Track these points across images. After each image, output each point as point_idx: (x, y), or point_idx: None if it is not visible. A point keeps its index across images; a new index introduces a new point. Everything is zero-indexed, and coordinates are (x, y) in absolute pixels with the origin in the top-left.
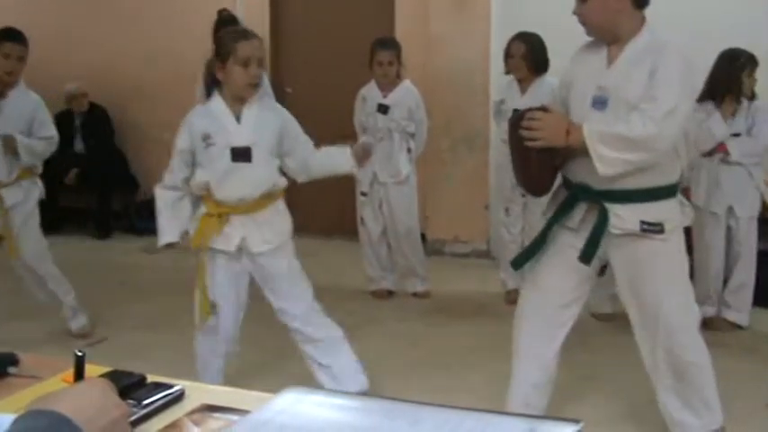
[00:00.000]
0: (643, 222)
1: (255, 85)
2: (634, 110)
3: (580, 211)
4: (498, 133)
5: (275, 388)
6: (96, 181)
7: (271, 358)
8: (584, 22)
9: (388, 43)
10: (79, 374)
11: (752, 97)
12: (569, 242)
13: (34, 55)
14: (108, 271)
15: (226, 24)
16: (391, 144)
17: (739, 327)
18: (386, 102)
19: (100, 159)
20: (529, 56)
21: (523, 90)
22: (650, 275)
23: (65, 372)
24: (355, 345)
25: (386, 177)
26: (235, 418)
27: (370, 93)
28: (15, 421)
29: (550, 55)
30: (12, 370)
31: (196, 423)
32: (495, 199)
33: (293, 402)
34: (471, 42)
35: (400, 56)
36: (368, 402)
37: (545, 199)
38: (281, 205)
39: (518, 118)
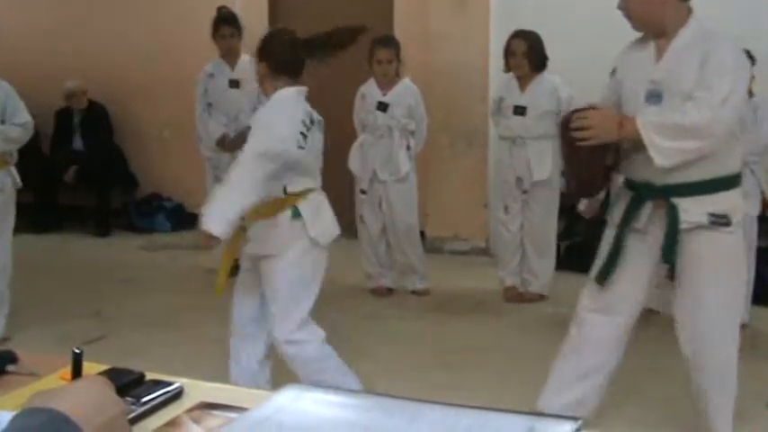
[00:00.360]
0: (711, 214)
1: None
2: (689, 99)
3: (646, 210)
4: (497, 131)
5: (274, 386)
6: (95, 179)
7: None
8: (629, 16)
9: (388, 41)
10: (77, 372)
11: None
12: (635, 246)
13: (33, 53)
14: (107, 269)
15: (225, 21)
16: (391, 142)
17: (741, 325)
18: (385, 99)
19: (99, 157)
20: (530, 53)
21: (523, 87)
22: (713, 271)
23: (63, 369)
24: (354, 342)
25: (385, 175)
26: (233, 415)
27: (370, 90)
28: (13, 419)
29: (549, 53)
30: (10, 368)
31: (195, 420)
32: (495, 197)
33: (292, 400)
34: (470, 40)
35: (399, 54)
36: (366, 400)
37: (546, 196)
38: (280, 219)
39: (567, 119)
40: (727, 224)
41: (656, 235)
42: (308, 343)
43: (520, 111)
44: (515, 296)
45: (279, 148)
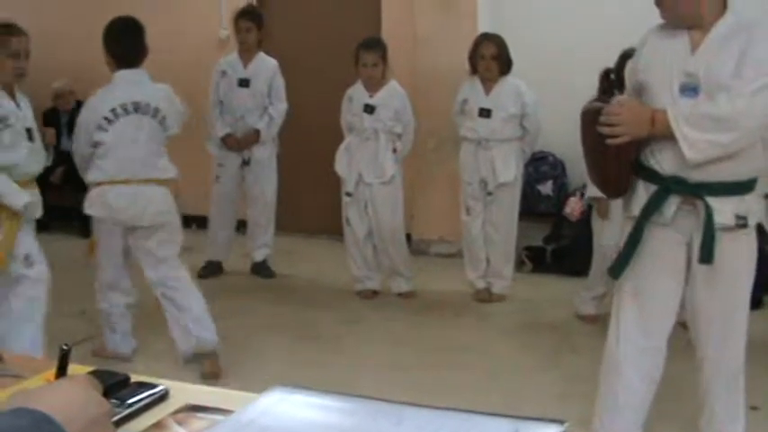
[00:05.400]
0: (736, 216)
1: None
2: (723, 90)
3: (672, 205)
4: (460, 133)
5: (256, 387)
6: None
7: (250, 357)
8: (659, 3)
9: (372, 44)
10: (62, 369)
11: None
12: (663, 241)
13: None
14: (93, 270)
15: (242, 14)
16: (377, 144)
17: None
18: (372, 102)
19: None
20: (499, 56)
21: (488, 90)
22: (732, 272)
23: (48, 371)
24: (340, 344)
25: (371, 178)
26: (219, 417)
27: (357, 93)
28: None
29: (536, 53)
30: None
31: (180, 423)
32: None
33: (277, 402)
34: (457, 42)
35: (386, 56)
36: (352, 403)
37: (509, 198)
38: None
39: (594, 113)
40: (745, 226)
41: (684, 231)
42: None
43: (485, 113)
44: (486, 297)
45: None
